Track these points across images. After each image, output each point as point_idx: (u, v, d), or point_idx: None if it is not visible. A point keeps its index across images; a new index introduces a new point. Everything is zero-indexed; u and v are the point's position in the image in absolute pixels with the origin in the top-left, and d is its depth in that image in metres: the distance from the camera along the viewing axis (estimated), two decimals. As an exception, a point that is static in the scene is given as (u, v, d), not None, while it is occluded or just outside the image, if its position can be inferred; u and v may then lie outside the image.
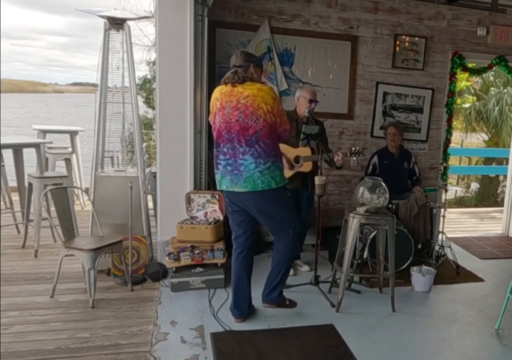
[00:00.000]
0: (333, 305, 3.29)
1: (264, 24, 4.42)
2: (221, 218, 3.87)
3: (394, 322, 3.16)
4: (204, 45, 3.81)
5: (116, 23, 3.70)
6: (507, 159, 5.99)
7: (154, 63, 9.01)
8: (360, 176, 4.59)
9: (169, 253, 3.62)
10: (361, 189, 3.25)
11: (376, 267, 3.63)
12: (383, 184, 3.26)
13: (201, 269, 3.59)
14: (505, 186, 6.56)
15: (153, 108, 9.56)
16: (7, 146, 4.41)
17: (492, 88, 9.72)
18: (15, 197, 4.78)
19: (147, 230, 3.93)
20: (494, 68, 5.23)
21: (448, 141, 5.17)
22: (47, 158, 5.64)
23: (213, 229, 3.71)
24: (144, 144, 6.13)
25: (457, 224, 6.14)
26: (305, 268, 4.01)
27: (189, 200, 3.92)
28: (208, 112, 3.96)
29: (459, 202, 9.19)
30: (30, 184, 4.30)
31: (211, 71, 4.24)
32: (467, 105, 9.89)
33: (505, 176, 6.64)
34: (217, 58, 4.35)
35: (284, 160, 3.36)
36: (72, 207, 3.82)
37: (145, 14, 6.96)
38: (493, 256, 4.73)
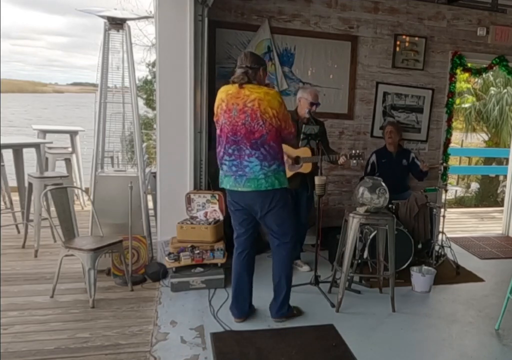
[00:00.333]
0: (333, 305, 3.29)
1: (264, 24, 4.42)
2: (221, 218, 3.87)
3: (394, 322, 3.16)
4: (204, 45, 3.81)
5: (116, 23, 3.70)
6: (507, 159, 5.99)
7: (154, 64, 9.02)
8: (360, 176, 4.59)
9: (169, 253, 3.62)
10: (361, 189, 3.25)
11: (376, 267, 3.63)
12: (383, 184, 3.26)
13: (201, 269, 3.59)
14: (505, 186, 6.56)
15: (153, 108, 9.56)
16: (7, 146, 4.41)
17: (492, 88, 9.73)
18: (15, 197, 4.78)
19: (147, 230, 3.93)
20: (494, 68, 5.22)
21: (448, 141, 5.17)
22: (47, 158, 5.64)
23: (213, 229, 3.71)
24: (144, 144, 6.14)
25: (457, 224, 6.14)
26: (305, 268, 4.02)
27: (189, 200, 3.92)
28: (209, 112, 3.99)
29: (459, 202, 9.19)
30: (30, 184, 4.31)
31: (211, 71, 4.24)
32: (467, 105, 9.89)
33: (505, 176, 6.64)
34: (217, 58, 4.35)
35: (285, 157, 3.36)
36: (72, 207, 3.82)
37: (145, 14, 6.97)
38: (493, 256, 4.73)
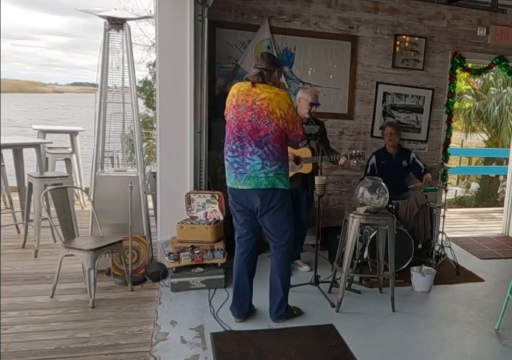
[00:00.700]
0: (333, 305, 3.29)
1: (264, 24, 4.42)
2: (221, 218, 3.87)
3: (394, 322, 3.16)
4: (204, 45, 3.81)
5: (116, 23, 3.70)
6: (507, 159, 5.99)
7: (154, 64, 9.01)
8: (360, 176, 4.58)
9: (169, 253, 3.62)
10: (361, 189, 3.25)
11: (376, 267, 3.63)
12: (383, 184, 3.26)
13: (201, 269, 3.59)
14: (505, 186, 6.56)
15: (154, 108, 9.56)
16: (7, 146, 4.41)
17: (492, 88, 9.73)
18: (15, 197, 4.78)
19: (147, 230, 3.93)
20: (494, 68, 5.22)
21: (448, 141, 5.17)
22: (47, 158, 5.63)
23: (213, 229, 3.71)
24: (144, 144, 6.14)
25: (457, 224, 6.14)
26: (305, 268, 4.02)
27: (189, 200, 3.92)
28: (209, 112, 4.00)
29: (459, 202, 9.19)
30: (30, 184, 4.31)
31: (211, 71, 4.24)
32: (466, 106, 9.89)
33: (505, 176, 6.64)
34: (217, 58, 4.35)
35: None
36: (72, 207, 3.82)
37: (145, 14, 6.96)
38: (493, 256, 4.73)
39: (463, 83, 9.71)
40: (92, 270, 3.19)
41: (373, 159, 4.54)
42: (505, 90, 9.40)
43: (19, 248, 4.35)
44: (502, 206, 5.98)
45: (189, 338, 2.83)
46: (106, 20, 3.71)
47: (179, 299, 3.36)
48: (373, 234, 3.65)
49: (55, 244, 4.37)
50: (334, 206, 4.90)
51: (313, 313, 3.21)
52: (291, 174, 3.72)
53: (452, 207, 7.85)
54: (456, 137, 9.95)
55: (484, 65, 5.14)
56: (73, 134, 5.99)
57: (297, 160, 3.79)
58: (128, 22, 3.76)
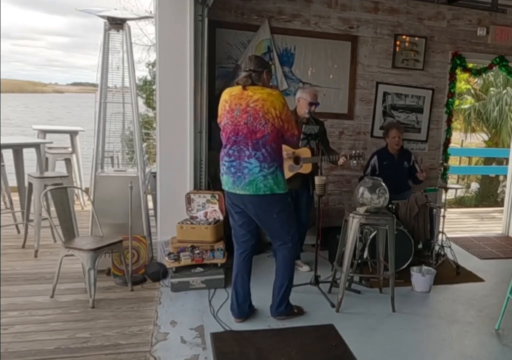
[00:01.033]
0: (333, 305, 3.29)
1: (264, 24, 4.42)
2: (221, 218, 3.87)
3: (394, 322, 3.16)
4: (204, 45, 3.81)
5: (116, 23, 3.70)
6: (507, 159, 5.99)
7: (154, 64, 9.02)
8: (359, 176, 4.58)
9: (169, 253, 3.62)
10: (361, 189, 3.25)
11: (376, 267, 3.63)
12: (383, 184, 3.26)
13: (201, 269, 3.59)
14: (505, 186, 6.56)
15: (153, 108, 9.56)
16: (7, 146, 4.41)
17: (491, 89, 9.72)
18: (15, 197, 4.78)
19: (147, 230, 3.93)
20: (494, 68, 5.22)
21: (448, 141, 5.17)
22: (47, 158, 5.64)
23: (213, 229, 3.71)
24: (144, 144, 6.14)
25: (457, 224, 6.14)
26: (305, 268, 4.02)
27: (189, 200, 3.92)
28: (209, 112, 4.00)
29: (459, 202, 9.19)
30: (30, 184, 4.30)
31: (211, 71, 4.24)
32: (466, 106, 9.89)
33: (505, 176, 6.64)
34: (217, 58, 4.35)
35: (285, 155, 3.36)
36: (72, 207, 3.82)
37: (145, 14, 6.96)
38: (493, 256, 4.73)
39: (463, 83, 9.71)
40: (92, 270, 3.19)
41: (375, 159, 4.54)
42: (505, 91, 9.40)
43: (19, 248, 4.35)
44: (502, 206, 5.98)
45: (189, 338, 2.83)
46: (106, 20, 3.71)
47: (179, 299, 3.36)
48: (373, 234, 3.65)
49: (55, 244, 4.37)
50: (334, 206, 4.90)
51: (313, 313, 3.21)
52: (290, 174, 3.74)
53: (452, 207, 7.85)
54: (456, 137, 9.95)
55: (484, 65, 5.14)
56: (73, 134, 5.99)
57: (297, 160, 3.79)
58: (128, 22, 3.76)
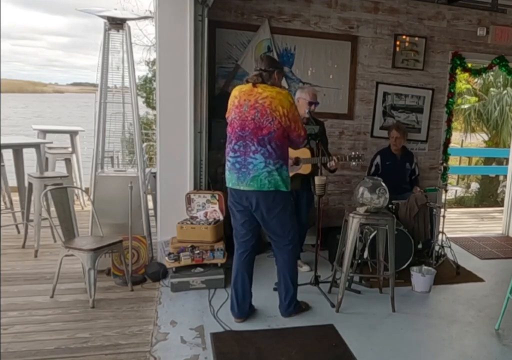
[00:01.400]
0: (333, 305, 3.29)
1: (264, 24, 4.42)
2: (221, 218, 3.87)
3: (394, 322, 3.16)
4: (204, 45, 3.81)
5: (116, 23, 3.70)
6: (507, 159, 5.99)
7: (153, 62, 9.02)
8: (361, 176, 4.58)
9: (169, 253, 3.62)
10: (361, 189, 3.25)
11: (376, 267, 3.63)
12: (383, 184, 3.26)
13: (201, 269, 3.59)
14: (505, 186, 6.56)
15: (153, 108, 9.57)
16: (7, 146, 4.41)
17: (492, 89, 9.72)
18: (15, 197, 4.78)
19: (147, 230, 3.93)
20: (494, 68, 5.22)
21: (448, 141, 5.17)
22: (47, 158, 5.64)
23: (213, 229, 3.71)
24: (144, 144, 6.14)
25: (457, 224, 6.14)
26: (305, 268, 4.01)
27: (189, 200, 3.92)
28: (209, 112, 4.00)
29: (459, 202, 9.19)
30: (30, 184, 4.30)
31: (211, 71, 4.24)
32: (466, 106, 9.89)
33: (505, 176, 6.64)
34: (217, 58, 4.35)
35: None
36: (72, 207, 3.82)
37: (145, 14, 6.96)
38: (493, 256, 4.73)
39: (463, 82, 9.70)
40: (92, 270, 3.19)
41: (378, 159, 4.55)
42: (505, 91, 9.40)
43: (19, 248, 4.35)
44: (502, 206, 5.98)
45: (189, 338, 2.83)
46: (106, 20, 3.71)
47: (179, 299, 3.36)
48: (373, 234, 3.65)
49: (55, 244, 4.37)
50: (334, 206, 4.90)
51: (313, 313, 3.21)
52: (290, 174, 3.73)
53: (452, 207, 7.85)
54: (456, 137, 9.95)
55: (484, 65, 5.14)
56: (73, 134, 5.99)
57: (296, 160, 3.79)
58: (128, 22, 3.76)
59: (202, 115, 3.88)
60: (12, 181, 4.90)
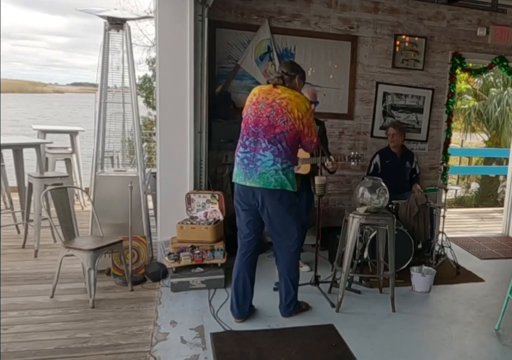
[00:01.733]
0: (333, 305, 3.29)
1: (264, 24, 4.42)
2: (221, 218, 3.87)
3: (394, 322, 3.16)
4: (204, 45, 3.81)
5: (116, 23, 3.70)
6: (507, 159, 5.99)
7: (154, 61, 9.02)
8: (360, 176, 4.58)
9: (169, 253, 3.62)
10: (361, 189, 3.25)
11: (376, 267, 3.63)
12: (383, 184, 3.26)
13: (201, 269, 3.59)
14: (505, 186, 6.56)
15: (154, 108, 9.57)
16: (7, 146, 4.41)
17: (492, 89, 9.72)
18: (15, 197, 4.78)
19: (147, 230, 3.93)
20: (494, 68, 5.22)
21: (448, 141, 5.17)
22: (47, 158, 5.63)
23: (213, 229, 3.71)
24: (144, 144, 6.14)
25: (457, 224, 6.14)
26: (305, 268, 4.01)
27: (189, 200, 3.92)
28: (209, 112, 4.00)
29: (459, 202, 9.19)
30: (30, 184, 4.30)
31: (211, 71, 4.24)
32: (466, 106, 9.89)
33: (505, 176, 6.63)
34: (217, 58, 4.35)
35: None
36: (72, 207, 3.82)
37: (145, 14, 6.96)
38: (493, 256, 4.73)
39: (463, 82, 9.70)
40: (92, 270, 3.19)
41: (377, 158, 4.55)
42: (506, 91, 9.40)
43: (19, 248, 4.35)
44: (502, 206, 5.98)
45: (189, 338, 2.83)
46: (106, 20, 3.70)
47: (179, 299, 3.36)
48: (373, 234, 3.65)
49: (55, 244, 4.37)
50: (334, 206, 4.90)
51: (313, 313, 3.21)
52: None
53: (452, 207, 7.85)
54: (456, 137, 9.95)
55: (484, 65, 5.14)
56: (73, 134, 5.99)
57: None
58: (128, 22, 3.76)
59: (202, 115, 3.88)
60: (12, 181, 4.90)
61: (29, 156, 5.14)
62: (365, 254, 3.72)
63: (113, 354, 2.64)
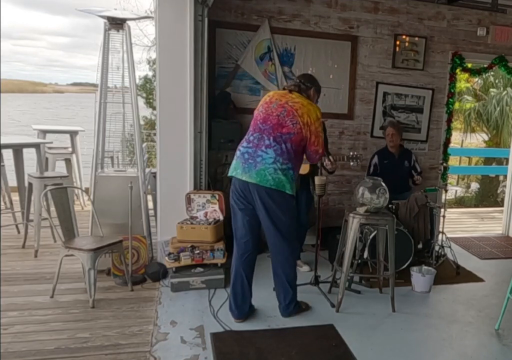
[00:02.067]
0: (333, 305, 3.29)
1: (264, 24, 4.42)
2: (221, 218, 3.88)
3: (394, 322, 3.16)
4: (204, 45, 3.81)
5: (116, 23, 3.70)
6: (507, 159, 5.99)
7: (154, 62, 9.02)
8: (361, 176, 4.58)
9: (169, 253, 3.62)
10: (361, 189, 3.25)
11: (376, 267, 3.63)
12: (383, 184, 3.26)
13: (201, 269, 3.59)
14: (505, 186, 6.56)
15: (154, 108, 9.57)
16: (7, 146, 4.41)
17: (492, 89, 9.72)
18: (15, 197, 4.78)
19: (147, 230, 3.93)
20: (494, 68, 5.22)
21: (448, 141, 5.17)
22: (47, 158, 5.64)
23: (213, 229, 3.71)
24: (144, 144, 6.14)
25: (457, 224, 6.14)
26: (305, 268, 4.02)
27: (189, 200, 3.92)
28: (209, 112, 4.00)
29: (459, 202, 9.19)
30: (30, 184, 4.30)
31: (211, 71, 4.24)
32: (467, 106, 9.88)
33: (505, 176, 6.64)
34: (217, 58, 4.36)
35: None
36: (72, 207, 3.82)
37: (145, 14, 6.96)
38: (493, 256, 4.73)
39: (463, 82, 9.70)
40: (92, 270, 3.19)
41: (376, 159, 4.55)
42: (505, 92, 9.40)
43: (19, 248, 4.35)
44: (502, 206, 5.98)
45: (189, 338, 2.83)
46: (106, 20, 3.71)
47: (179, 299, 3.36)
48: (373, 234, 3.66)
49: (55, 244, 4.37)
50: (334, 206, 4.90)
51: (313, 313, 3.21)
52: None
53: (452, 207, 7.85)
54: (456, 137, 9.95)
55: (484, 65, 5.14)
56: (73, 134, 5.99)
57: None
58: (128, 22, 3.76)
59: (202, 115, 3.88)
60: (12, 181, 4.90)
61: (29, 156, 5.14)
62: (365, 254, 3.72)
63: (113, 354, 2.64)
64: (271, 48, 4.46)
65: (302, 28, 4.53)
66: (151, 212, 4.40)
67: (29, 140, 5.08)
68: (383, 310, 3.31)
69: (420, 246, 4.06)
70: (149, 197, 4.60)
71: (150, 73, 10.79)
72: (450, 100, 5.06)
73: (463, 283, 3.94)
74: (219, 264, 3.61)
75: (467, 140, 10.59)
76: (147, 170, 4.42)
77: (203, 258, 3.60)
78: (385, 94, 4.88)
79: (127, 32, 3.74)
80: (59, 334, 2.82)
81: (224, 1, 4.26)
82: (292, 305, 3.11)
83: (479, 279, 4.04)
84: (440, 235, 4.29)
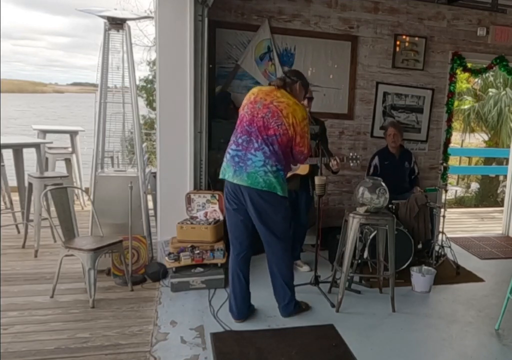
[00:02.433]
0: (333, 305, 3.29)
1: (264, 24, 4.42)
2: (221, 218, 3.87)
3: (394, 322, 3.16)
4: (204, 45, 3.81)
5: (116, 23, 3.70)
6: (507, 159, 5.99)
7: (154, 63, 9.02)
8: (361, 176, 4.58)
9: (169, 253, 3.62)
10: (361, 189, 3.25)
11: (376, 267, 3.63)
12: (383, 184, 3.26)
13: (201, 269, 3.59)
14: (505, 186, 6.56)
15: (154, 108, 9.57)
16: (7, 146, 4.41)
17: (490, 90, 9.72)
18: (15, 197, 4.78)
19: (147, 230, 3.93)
20: (494, 68, 5.23)
21: (448, 141, 5.17)
22: (47, 158, 5.63)
23: (213, 229, 3.71)
24: (144, 144, 6.14)
25: (457, 224, 6.14)
26: (305, 268, 4.02)
27: (189, 200, 3.92)
28: (209, 112, 4.00)
29: (459, 202, 9.19)
30: (30, 184, 4.30)
31: (211, 71, 4.24)
32: (466, 107, 9.89)
33: (505, 176, 6.64)
34: (217, 58, 4.35)
35: None
36: (72, 207, 3.82)
37: (145, 14, 6.96)
38: (493, 256, 4.73)
39: (464, 82, 9.71)
40: (92, 270, 3.19)
41: (376, 160, 4.54)
42: (503, 92, 9.39)
43: (19, 248, 4.35)
44: (502, 206, 5.98)
45: (189, 338, 2.83)
46: (106, 20, 3.71)
47: (179, 299, 3.36)
48: (373, 234, 3.65)
49: (55, 244, 4.37)
50: (334, 206, 4.90)
51: (313, 313, 3.21)
52: (288, 175, 3.72)
53: (452, 207, 7.85)
54: (456, 137, 9.95)
55: (484, 65, 5.14)
56: (73, 134, 5.99)
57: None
58: (128, 22, 3.76)
59: (202, 115, 3.88)
60: (12, 181, 4.90)
61: (29, 156, 5.14)
62: (365, 254, 3.72)
63: (113, 354, 2.64)
64: (271, 48, 4.46)
65: (302, 28, 4.53)
66: (151, 212, 4.40)
67: (29, 140, 5.08)
68: (383, 310, 3.31)
69: (420, 246, 4.06)
70: (149, 197, 4.60)
71: (151, 75, 10.80)
72: (450, 100, 5.06)
73: (463, 283, 3.94)
74: (219, 264, 3.61)
75: (467, 140, 10.59)
76: (147, 169, 4.42)
77: (203, 258, 3.60)
78: (385, 94, 4.88)
79: (127, 32, 3.74)
80: (59, 334, 2.82)
81: (224, 1, 4.26)
82: (291, 305, 3.11)
83: (479, 279, 4.04)
84: (440, 235, 4.29)
